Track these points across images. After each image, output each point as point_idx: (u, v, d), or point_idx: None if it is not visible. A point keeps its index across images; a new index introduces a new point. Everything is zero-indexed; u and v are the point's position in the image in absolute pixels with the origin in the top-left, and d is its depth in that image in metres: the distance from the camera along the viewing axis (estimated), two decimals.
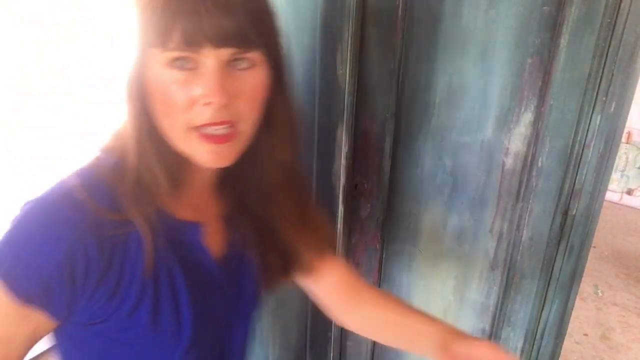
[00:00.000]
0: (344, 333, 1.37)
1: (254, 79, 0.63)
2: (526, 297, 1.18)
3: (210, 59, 0.59)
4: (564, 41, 0.94)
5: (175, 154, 0.66)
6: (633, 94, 0.95)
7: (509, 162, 1.08)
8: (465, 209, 1.16)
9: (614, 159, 1.01)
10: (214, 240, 0.76)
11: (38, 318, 0.63)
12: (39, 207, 0.61)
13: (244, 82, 0.62)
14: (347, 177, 1.17)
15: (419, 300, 1.29)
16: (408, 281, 1.27)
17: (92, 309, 0.63)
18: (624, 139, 4.07)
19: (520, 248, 1.14)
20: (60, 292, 0.60)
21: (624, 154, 4.31)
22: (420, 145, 1.13)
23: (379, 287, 1.29)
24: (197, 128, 0.61)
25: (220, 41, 0.58)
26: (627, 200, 4.43)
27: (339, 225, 1.23)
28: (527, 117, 1.03)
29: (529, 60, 0.99)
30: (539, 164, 1.05)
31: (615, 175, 4.35)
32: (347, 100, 1.10)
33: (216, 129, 0.61)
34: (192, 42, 0.57)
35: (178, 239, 0.71)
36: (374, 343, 1.37)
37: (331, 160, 1.18)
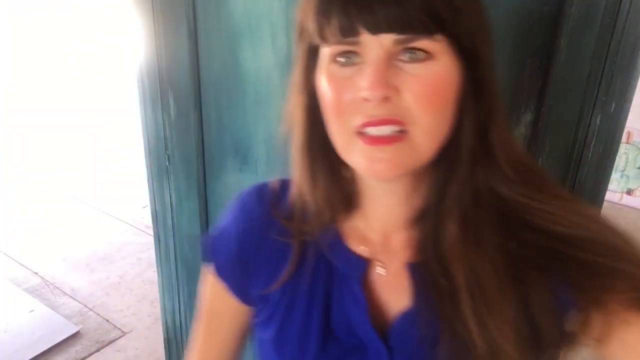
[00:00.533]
0: None
1: (428, 71, 0.51)
2: None
3: (371, 48, 0.50)
4: (564, 41, 0.94)
5: (342, 170, 0.61)
6: (633, 94, 0.95)
7: None
8: None
9: (614, 159, 1.01)
10: (383, 289, 0.63)
11: (229, 297, 0.69)
12: (243, 192, 0.69)
13: (414, 75, 0.51)
14: None
15: None
16: None
17: (252, 302, 0.69)
18: (624, 139, 4.07)
19: None
20: (238, 270, 0.66)
21: (624, 154, 4.31)
22: None
23: None
24: (359, 131, 0.53)
25: (377, 26, 0.49)
26: (627, 200, 4.42)
27: None
28: (527, 117, 1.03)
29: (529, 60, 0.99)
30: (539, 164, 1.05)
31: (615, 175, 4.34)
32: None
33: (378, 129, 0.52)
34: (348, 31, 0.50)
35: (337, 267, 0.63)
36: None
37: None
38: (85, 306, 2.76)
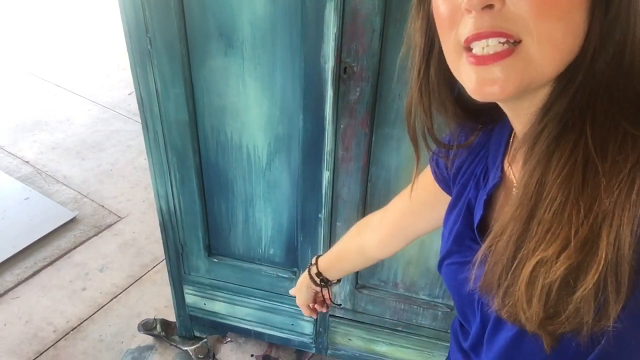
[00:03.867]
0: (333, 214, 1.41)
1: None
2: None
3: None
4: None
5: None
6: None
7: None
8: None
9: None
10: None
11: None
12: None
13: None
14: (336, 60, 1.14)
15: (406, 182, 1.32)
16: (396, 164, 1.29)
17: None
18: None
19: None
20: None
21: None
22: None
23: (368, 170, 1.32)
24: (466, 48, 0.48)
25: None
26: None
27: (328, 110, 1.22)
28: None
29: None
30: None
31: None
32: None
33: (483, 43, 0.47)
34: None
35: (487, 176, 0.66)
36: (364, 203, 1.42)
37: (319, 42, 1.14)
38: (80, 193, 2.81)
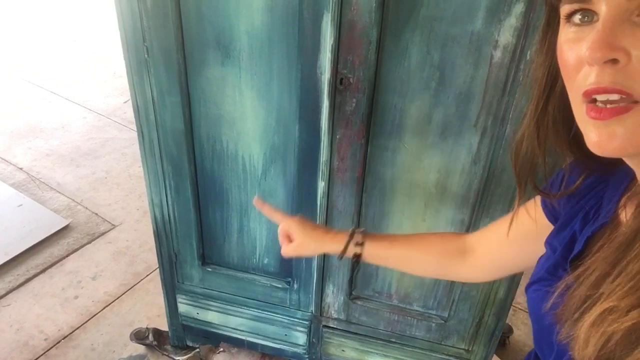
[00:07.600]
0: (328, 224, 1.41)
1: None
2: (505, 189, 1.22)
3: (602, 6, 0.45)
4: None
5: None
6: None
7: (498, 55, 1.06)
8: (451, 103, 1.15)
9: None
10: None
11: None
12: None
13: None
14: (332, 71, 1.15)
15: (401, 193, 1.32)
16: (391, 175, 1.30)
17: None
18: None
19: (503, 142, 1.16)
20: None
21: None
22: (408, 37, 1.10)
23: (363, 181, 1.32)
24: (586, 99, 0.48)
25: None
26: None
27: (323, 120, 1.22)
28: (519, 7, 1.00)
29: None
30: (527, 56, 1.04)
31: None
32: None
33: (604, 98, 0.46)
34: None
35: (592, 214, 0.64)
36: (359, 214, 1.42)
37: (316, 53, 1.14)
38: (74, 200, 2.79)
